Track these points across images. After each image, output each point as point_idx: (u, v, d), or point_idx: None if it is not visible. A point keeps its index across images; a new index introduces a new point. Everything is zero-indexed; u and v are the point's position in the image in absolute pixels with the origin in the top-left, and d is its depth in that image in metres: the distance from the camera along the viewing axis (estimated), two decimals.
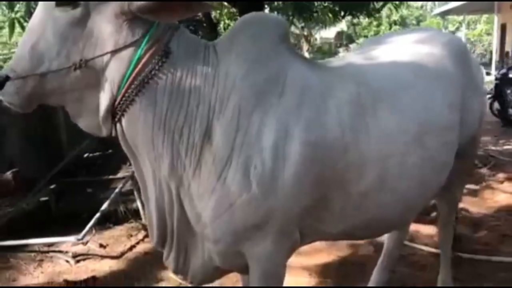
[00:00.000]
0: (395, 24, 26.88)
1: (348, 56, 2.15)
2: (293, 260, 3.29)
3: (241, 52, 1.72)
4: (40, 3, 1.64)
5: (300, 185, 1.69)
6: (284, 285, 2.93)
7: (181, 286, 3.10)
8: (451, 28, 29.41)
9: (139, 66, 1.60)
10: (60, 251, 3.77)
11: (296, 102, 1.71)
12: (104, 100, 1.66)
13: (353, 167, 1.79)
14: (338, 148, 1.75)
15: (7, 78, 1.57)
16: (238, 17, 5.93)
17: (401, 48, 2.12)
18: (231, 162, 1.65)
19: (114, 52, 1.59)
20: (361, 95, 1.82)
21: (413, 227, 3.75)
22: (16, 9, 5.03)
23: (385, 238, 2.90)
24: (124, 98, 1.62)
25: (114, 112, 1.66)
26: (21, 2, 4.89)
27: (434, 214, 3.80)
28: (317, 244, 3.56)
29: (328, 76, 1.86)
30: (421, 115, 1.92)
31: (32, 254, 3.74)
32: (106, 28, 1.59)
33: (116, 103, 1.64)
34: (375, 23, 25.30)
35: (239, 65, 1.70)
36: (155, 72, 1.62)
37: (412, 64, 2.04)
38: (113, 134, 1.72)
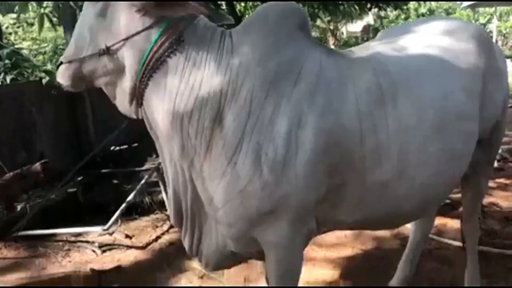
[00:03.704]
0: (423, 16, 26.33)
1: (370, 45, 2.12)
2: (317, 252, 3.35)
3: (256, 39, 1.72)
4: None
5: (313, 173, 1.69)
6: (308, 276, 2.95)
7: None
8: (482, 20, 28.60)
9: (152, 53, 1.70)
10: (87, 241, 3.84)
11: (311, 90, 1.70)
12: (126, 85, 1.78)
13: (370, 156, 1.77)
14: (354, 136, 1.73)
15: (60, 63, 1.89)
16: None
17: (425, 39, 2.09)
18: (241, 147, 1.66)
19: (126, 39, 1.72)
20: (380, 84, 1.81)
21: (440, 220, 3.70)
22: (44, 4, 5.13)
23: (410, 231, 2.86)
24: (141, 83, 1.73)
25: (137, 96, 1.78)
26: None
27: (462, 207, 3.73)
28: (342, 237, 3.58)
29: (347, 64, 1.85)
30: (440, 105, 1.90)
31: (60, 243, 3.82)
32: (121, 18, 1.72)
33: (137, 87, 1.75)
34: (402, 16, 24.81)
35: (253, 52, 1.70)
36: (165, 58, 1.71)
37: (434, 55, 2.00)
38: (140, 117, 1.84)
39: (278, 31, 1.75)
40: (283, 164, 1.65)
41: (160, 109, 1.73)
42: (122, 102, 1.84)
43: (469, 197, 2.60)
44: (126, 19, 1.72)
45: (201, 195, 1.79)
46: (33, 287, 3.13)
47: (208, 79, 1.69)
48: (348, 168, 1.75)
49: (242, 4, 7.37)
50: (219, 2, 6.01)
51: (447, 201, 3.86)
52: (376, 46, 2.06)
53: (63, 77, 1.87)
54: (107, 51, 1.75)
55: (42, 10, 5.05)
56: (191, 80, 1.69)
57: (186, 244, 1.97)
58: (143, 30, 1.70)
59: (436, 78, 1.95)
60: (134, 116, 1.85)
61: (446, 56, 2.02)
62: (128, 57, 1.74)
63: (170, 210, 1.99)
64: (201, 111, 1.68)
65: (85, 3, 1.82)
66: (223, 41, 1.75)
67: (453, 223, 3.74)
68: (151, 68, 1.71)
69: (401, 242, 3.45)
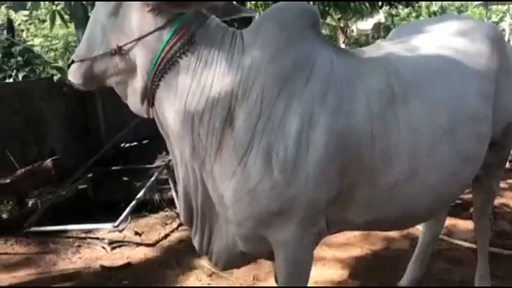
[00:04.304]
0: (435, 14, 25.99)
1: (382, 45, 2.10)
2: (327, 252, 3.34)
3: (267, 39, 1.72)
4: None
5: (324, 173, 1.68)
6: (317, 276, 2.95)
7: (212, 285, 3.13)
8: (495, 18, 28.29)
9: (163, 53, 1.69)
10: (97, 238, 3.86)
11: (323, 89, 1.69)
12: (138, 85, 1.78)
13: (381, 158, 1.76)
14: (366, 137, 1.72)
15: (72, 62, 1.89)
16: None
17: (438, 39, 2.07)
18: (251, 148, 1.66)
19: (139, 39, 1.71)
20: (392, 85, 1.80)
21: (451, 221, 3.68)
22: (56, 1, 5.17)
23: (420, 232, 2.84)
24: (152, 83, 1.73)
25: (148, 96, 1.77)
26: None
27: (472, 209, 3.70)
28: (351, 237, 3.57)
29: (359, 64, 1.84)
30: (452, 107, 1.88)
31: (71, 239, 3.85)
32: (133, 18, 1.72)
33: (148, 88, 1.75)
34: (414, 14, 24.59)
35: (264, 52, 1.70)
36: (176, 59, 1.70)
37: (447, 55, 1.99)
38: (151, 117, 1.84)
39: (291, 30, 1.74)
40: (294, 164, 1.65)
41: (171, 109, 1.73)
42: (134, 102, 1.84)
43: (481, 198, 2.58)
44: (139, 19, 1.71)
45: (212, 195, 1.79)
46: (43, 285, 3.17)
47: (219, 79, 1.69)
48: (359, 168, 1.75)
49: (253, 1, 7.36)
50: None
51: (458, 201, 3.83)
52: (387, 46, 2.05)
53: (74, 76, 1.87)
54: (119, 51, 1.74)
55: (54, 7, 5.08)
56: (202, 80, 1.69)
57: (196, 243, 1.97)
58: (155, 30, 1.70)
59: (449, 80, 1.93)
60: (145, 116, 1.85)
61: (459, 57, 2.00)
62: (140, 57, 1.74)
63: (180, 209, 1.99)
64: (212, 111, 1.68)
65: (97, 2, 1.82)
66: (234, 41, 1.75)
67: (464, 224, 3.72)
68: (162, 69, 1.71)
69: (410, 243, 3.43)
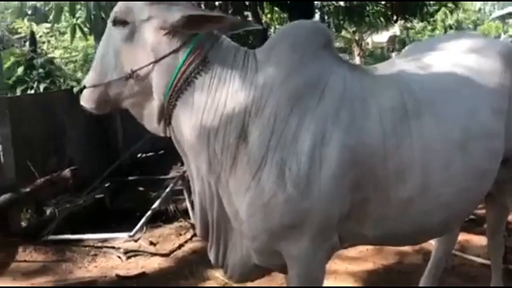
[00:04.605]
0: (450, 28, 25.83)
1: (395, 63, 2.14)
2: (339, 266, 3.35)
3: (280, 58, 1.77)
4: (107, 25, 1.87)
5: (337, 189, 1.72)
6: None
7: (226, 286, 3.17)
8: None
9: (179, 74, 1.74)
10: (112, 247, 3.92)
11: (335, 106, 1.73)
12: (154, 105, 1.82)
13: (394, 173, 1.79)
14: (378, 153, 1.76)
15: (84, 87, 1.92)
16: (289, 22, 5.98)
17: (451, 57, 2.10)
18: (265, 163, 1.70)
19: (155, 62, 1.75)
20: (405, 102, 1.83)
21: (464, 237, 3.66)
22: (77, 15, 5.29)
23: (433, 246, 2.85)
24: (169, 104, 1.77)
25: (165, 116, 1.82)
26: (82, 8, 5.14)
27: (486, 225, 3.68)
28: (364, 250, 3.57)
29: (371, 82, 1.88)
30: (465, 124, 1.91)
31: (87, 248, 3.91)
32: (148, 41, 1.76)
33: (165, 108, 1.79)
34: (429, 27, 24.47)
35: (278, 71, 1.75)
36: (191, 79, 1.75)
37: (460, 73, 2.02)
38: (168, 135, 1.88)
39: (304, 49, 1.79)
40: (307, 179, 1.69)
41: (187, 125, 1.78)
42: (150, 122, 1.88)
43: (494, 214, 2.59)
44: (154, 42, 1.76)
45: (227, 209, 1.83)
46: None
47: (233, 97, 1.74)
48: (372, 184, 1.78)
49: (269, 15, 7.45)
50: (245, 14, 6.11)
51: (472, 217, 3.81)
52: (401, 64, 2.09)
53: (87, 101, 1.91)
54: (135, 75, 1.78)
55: (74, 21, 5.21)
56: (216, 97, 1.74)
57: (212, 256, 2.01)
58: (171, 53, 1.74)
59: (461, 97, 1.96)
60: (162, 134, 1.89)
61: (472, 75, 2.03)
62: (156, 79, 1.78)
63: (196, 223, 2.04)
64: (227, 127, 1.73)
65: (109, 26, 1.85)
66: (247, 60, 1.80)
67: (477, 240, 3.70)
68: (179, 89, 1.75)
69: (423, 257, 3.42)
